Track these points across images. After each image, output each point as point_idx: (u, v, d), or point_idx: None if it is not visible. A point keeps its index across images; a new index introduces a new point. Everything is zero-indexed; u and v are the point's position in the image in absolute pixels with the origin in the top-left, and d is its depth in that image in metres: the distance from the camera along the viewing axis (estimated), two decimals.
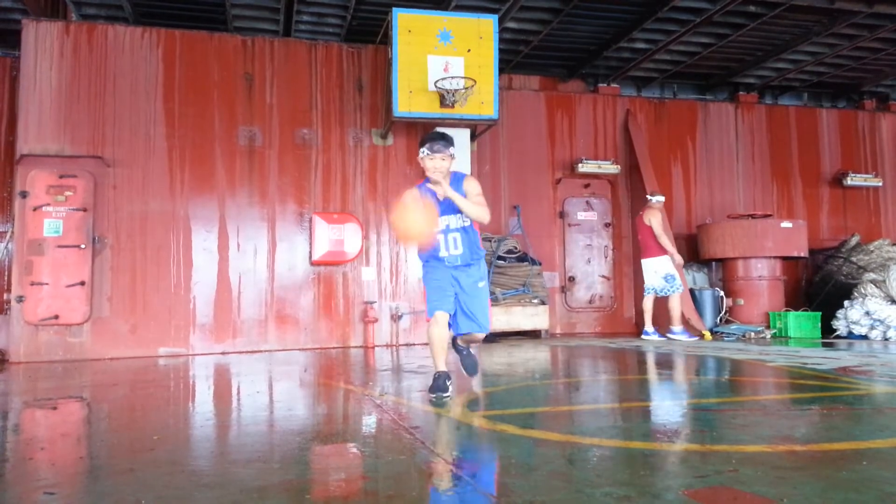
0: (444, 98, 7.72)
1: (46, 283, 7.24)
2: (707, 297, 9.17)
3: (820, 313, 8.89)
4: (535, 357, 6.43)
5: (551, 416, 3.52)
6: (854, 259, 9.70)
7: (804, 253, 9.59)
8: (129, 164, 7.68)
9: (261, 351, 7.76)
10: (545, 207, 9.90)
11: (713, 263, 10.11)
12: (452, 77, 7.72)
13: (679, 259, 8.47)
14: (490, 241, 9.13)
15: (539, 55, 9.78)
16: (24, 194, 7.30)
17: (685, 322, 8.52)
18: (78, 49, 7.68)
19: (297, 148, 8.19)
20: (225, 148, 7.94)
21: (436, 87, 7.69)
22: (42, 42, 7.58)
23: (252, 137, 8.01)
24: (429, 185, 3.89)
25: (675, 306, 8.33)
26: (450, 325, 4.03)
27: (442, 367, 3.93)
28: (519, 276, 8.93)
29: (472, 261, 4.02)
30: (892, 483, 2.04)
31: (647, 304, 8.55)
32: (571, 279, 9.92)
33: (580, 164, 9.87)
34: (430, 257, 4.01)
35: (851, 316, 8.44)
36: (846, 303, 8.64)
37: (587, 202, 10.07)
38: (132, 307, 7.54)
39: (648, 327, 8.46)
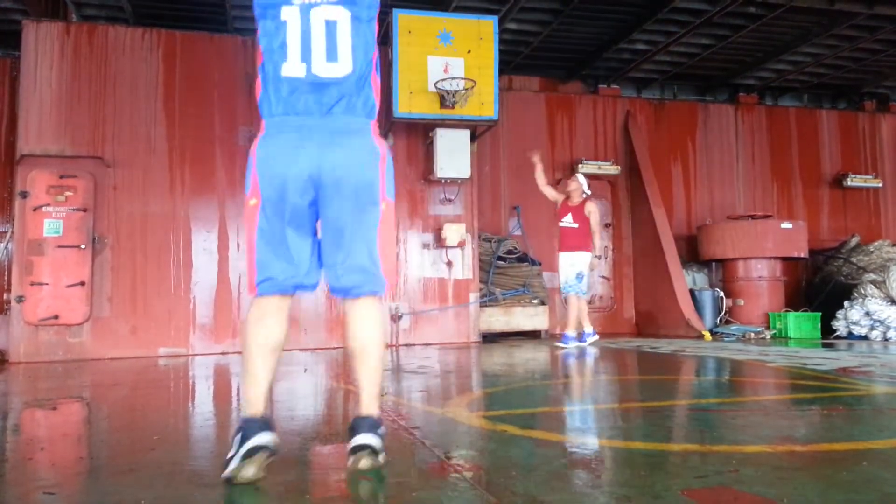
0: (444, 99, 7.72)
1: (46, 284, 7.23)
2: (707, 298, 9.17)
3: (820, 314, 8.89)
4: (534, 357, 6.43)
5: (551, 417, 3.52)
6: (854, 260, 9.70)
7: (804, 254, 9.59)
8: (129, 165, 7.68)
9: None
10: (545, 208, 9.88)
11: (713, 264, 10.11)
12: (452, 78, 7.73)
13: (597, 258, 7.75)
14: (490, 241, 9.14)
15: (539, 56, 9.78)
16: (24, 194, 7.30)
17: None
18: (78, 50, 7.68)
19: None
20: (225, 148, 7.95)
21: (436, 87, 7.69)
22: (42, 43, 7.58)
23: (252, 138, 7.99)
24: None
25: (584, 309, 7.43)
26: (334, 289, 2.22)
27: (257, 408, 2.09)
28: (519, 277, 8.93)
29: (356, 104, 2.15)
30: (892, 484, 2.04)
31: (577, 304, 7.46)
32: None
33: (580, 165, 9.86)
34: (269, 94, 2.13)
35: (851, 316, 8.44)
36: (846, 303, 8.64)
37: None
38: (132, 307, 7.53)
39: (588, 327, 7.48)
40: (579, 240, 7.27)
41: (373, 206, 2.18)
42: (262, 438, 2.05)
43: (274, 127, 2.15)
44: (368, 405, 2.23)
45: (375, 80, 2.25)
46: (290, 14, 2.10)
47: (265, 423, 2.10)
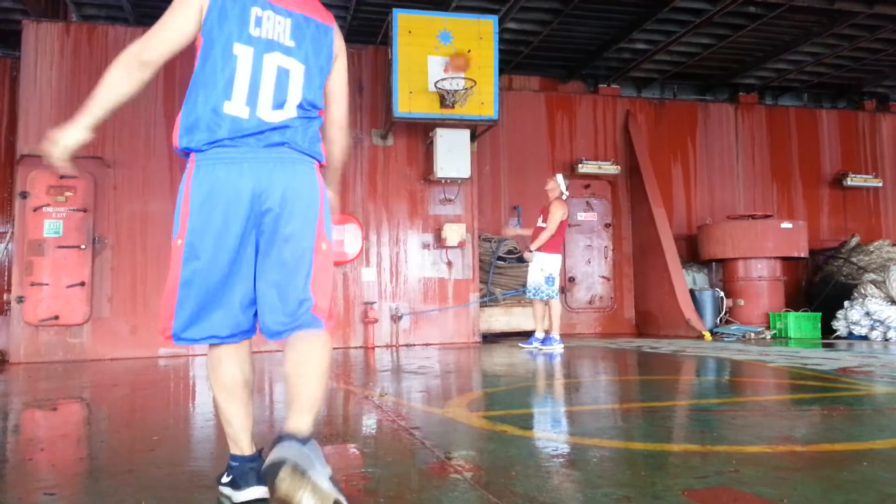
0: (444, 98, 7.72)
1: (46, 284, 7.23)
2: (707, 298, 9.17)
3: (820, 314, 8.89)
4: (534, 358, 6.43)
5: (551, 417, 3.52)
6: (854, 260, 9.70)
7: (804, 253, 9.59)
8: (129, 165, 7.67)
9: (261, 351, 7.74)
10: None
11: (713, 264, 10.11)
12: (452, 77, 7.73)
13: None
14: (490, 241, 9.13)
15: (539, 56, 9.78)
16: (24, 195, 7.30)
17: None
18: (78, 49, 7.68)
19: None
20: None
21: (436, 87, 7.69)
22: (42, 42, 7.58)
23: None
24: None
25: (558, 312, 7.29)
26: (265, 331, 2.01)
27: (242, 447, 2.04)
28: (519, 277, 8.92)
29: (300, 143, 1.99)
30: (892, 484, 2.04)
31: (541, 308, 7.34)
32: (571, 280, 9.92)
33: (580, 165, 9.87)
34: (201, 129, 1.92)
35: (851, 316, 8.44)
36: (846, 303, 8.63)
37: (587, 203, 10.07)
38: (132, 308, 7.53)
39: (539, 333, 7.30)
40: (546, 241, 7.15)
41: (312, 239, 1.95)
42: (255, 493, 1.95)
43: (207, 160, 1.91)
44: (296, 420, 1.81)
45: (320, 129, 2.08)
46: (242, 52, 1.92)
47: (257, 469, 1.97)
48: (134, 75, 1.93)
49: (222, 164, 1.90)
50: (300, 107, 1.98)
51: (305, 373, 1.87)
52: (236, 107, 1.90)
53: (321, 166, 2.07)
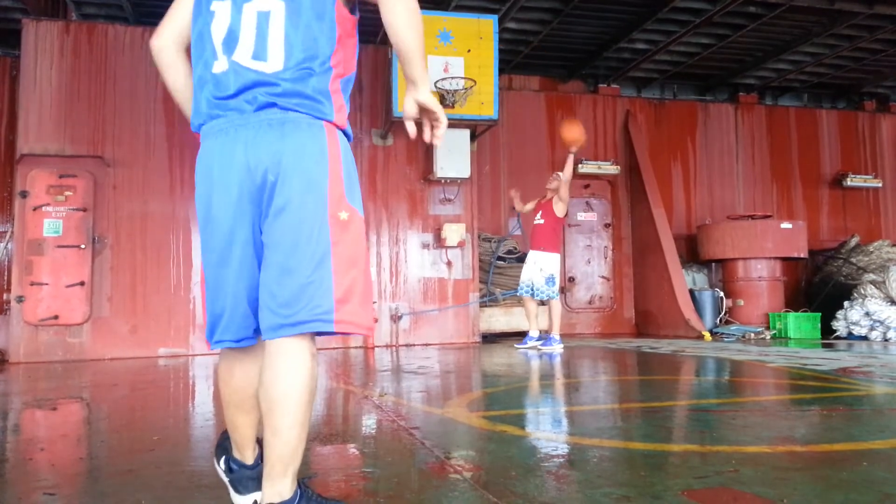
0: (444, 98, 7.72)
1: (46, 284, 7.23)
2: (707, 298, 9.17)
3: (820, 314, 8.89)
4: (534, 358, 6.43)
5: (551, 417, 3.52)
6: (854, 260, 9.70)
7: (804, 254, 9.59)
8: (129, 164, 7.67)
9: None
10: None
11: (713, 264, 10.11)
12: (452, 77, 7.73)
13: None
14: (490, 241, 9.13)
15: (539, 55, 9.78)
16: (23, 194, 7.30)
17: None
18: (78, 49, 7.67)
19: None
20: None
21: (436, 87, 7.69)
22: (42, 42, 7.58)
23: None
24: None
25: (559, 312, 7.37)
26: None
27: (244, 455, 1.88)
28: (519, 277, 8.92)
29: (296, 103, 1.69)
30: (891, 484, 2.04)
31: (533, 307, 7.42)
32: (571, 280, 9.92)
33: (580, 165, 9.86)
34: (199, 101, 1.80)
35: (851, 317, 8.44)
36: (846, 304, 8.63)
37: (587, 203, 10.07)
38: (132, 307, 7.53)
39: (535, 332, 7.36)
40: (545, 238, 7.17)
41: (322, 213, 1.65)
42: (256, 496, 1.81)
43: (204, 136, 1.74)
44: (273, 486, 1.61)
45: (334, 83, 1.77)
46: (219, 7, 1.75)
47: (255, 478, 1.81)
48: (161, 66, 1.94)
49: (213, 136, 1.72)
50: (289, 55, 1.69)
51: (276, 426, 1.60)
52: (220, 63, 1.72)
53: (335, 126, 1.76)
